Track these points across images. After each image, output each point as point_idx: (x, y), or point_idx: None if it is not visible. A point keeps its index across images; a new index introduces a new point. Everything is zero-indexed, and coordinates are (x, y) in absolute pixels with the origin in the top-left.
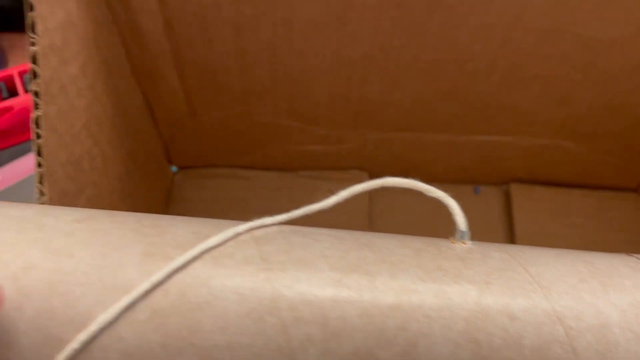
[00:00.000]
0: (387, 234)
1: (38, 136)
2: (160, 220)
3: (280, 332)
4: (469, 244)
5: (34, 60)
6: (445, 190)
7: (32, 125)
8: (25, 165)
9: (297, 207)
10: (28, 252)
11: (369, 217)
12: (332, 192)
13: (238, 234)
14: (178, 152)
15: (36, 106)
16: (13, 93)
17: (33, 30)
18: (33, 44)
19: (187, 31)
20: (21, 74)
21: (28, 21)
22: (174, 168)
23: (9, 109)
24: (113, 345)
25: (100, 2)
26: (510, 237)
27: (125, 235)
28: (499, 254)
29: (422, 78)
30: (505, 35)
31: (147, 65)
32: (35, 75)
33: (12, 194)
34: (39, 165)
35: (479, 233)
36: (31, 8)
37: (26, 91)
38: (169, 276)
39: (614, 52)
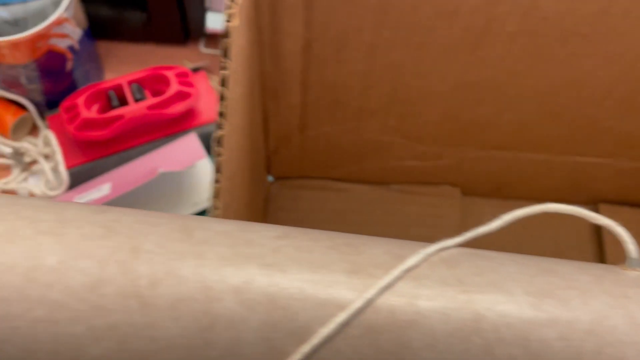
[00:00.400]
0: (559, 259)
1: (219, 154)
2: (351, 239)
3: (486, 352)
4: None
5: (224, 83)
6: None
7: (214, 144)
8: (134, 173)
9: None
10: (245, 266)
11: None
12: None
13: (429, 255)
14: (278, 163)
15: (220, 126)
16: (123, 101)
17: (226, 54)
18: (224, 68)
19: (323, 52)
20: (130, 83)
21: (222, 46)
22: (270, 178)
23: (119, 118)
24: (331, 358)
25: (254, 25)
26: (600, 258)
27: (325, 253)
28: None
29: (537, 101)
30: (632, 64)
31: (275, 82)
32: (222, 97)
33: (124, 202)
34: (217, 181)
35: (568, 253)
36: (227, 35)
37: (136, 100)
38: (379, 294)
39: None
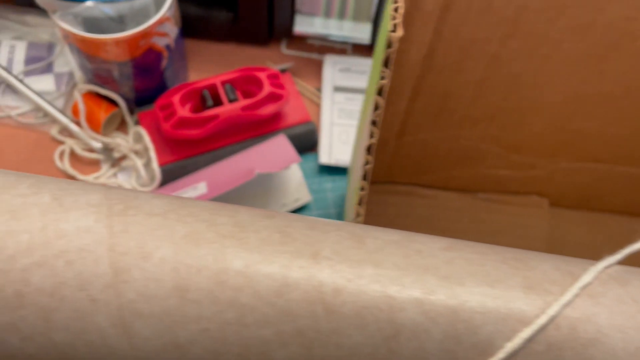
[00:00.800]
0: None
1: (367, 162)
2: (517, 254)
3: None
4: None
5: (380, 92)
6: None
7: (363, 152)
8: (229, 173)
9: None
10: (423, 277)
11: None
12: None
13: (599, 272)
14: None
15: (371, 135)
16: (217, 101)
17: (387, 64)
18: (383, 78)
19: (444, 61)
20: (223, 84)
21: (385, 55)
22: None
23: (214, 117)
24: None
25: None
26: None
27: (497, 267)
28: None
29: None
30: None
31: (390, 87)
32: (376, 107)
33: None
34: (362, 189)
35: None
36: (389, 45)
37: (230, 101)
38: (560, 311)
39: None
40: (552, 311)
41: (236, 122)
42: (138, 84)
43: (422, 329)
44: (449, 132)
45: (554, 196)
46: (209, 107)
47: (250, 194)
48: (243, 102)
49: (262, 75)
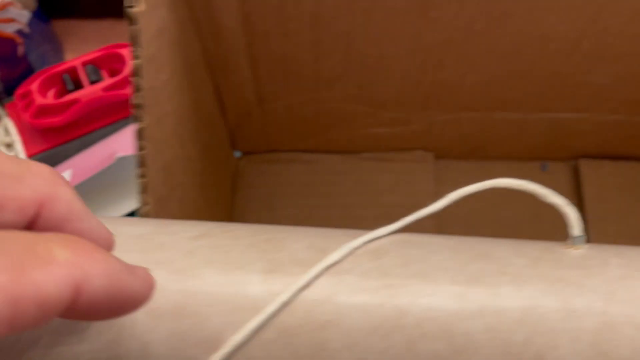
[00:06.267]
0: (500, 240)
1: (141, 148)
2: (275, 233)
3: (407, 349)
4: (584, 248)
5: (137, 73)
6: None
7: (135, 137)
8: (93, 159)
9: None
10: (154, 273)
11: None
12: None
13: (355, 248)
14: (242, 138)
15: (139, 119)
16: (78, 84)
17: (135, 43)
18: (136, 57)
19: (265, 25)
20: (84, 64)
21: (130, 34)
22: (237, 153)
23: (75, 102)
24: None
25: (183, 3)
26: (581, 215)
27: (244, 252)
28: (617, 259)
29: (500, 60)
30: (595, 15)
31: (221, 59)
32: (138, 88)
33: (84, 190)
34: (142, 176)
35: (548, 212)
36: (132, 21)
37: (91, 83)
38: (295, 295)
39: None
40: (283, 297)
41: (101, 104)
42: (2, 74)
43: (146, 329)
44: (307, 96)
45: (439, 149)
46: (70, 91)
47: (118, 180)
48: (104, 83)
49: (125, 52)
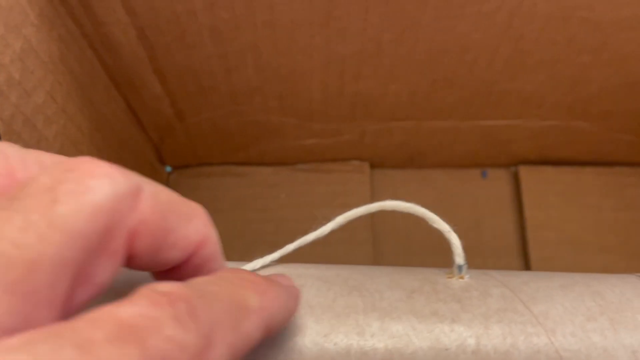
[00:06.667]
0: (380, 269)
1: None
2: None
3: None
4: (466, 277)
5: None
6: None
7: None
8: None
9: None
10: None
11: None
12: (327, 219)
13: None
14: (170, 153)
15: None
16: None
17: None
18: None
19: (163, 39)
20: None
21: None
22: (168, 168)
23: None
24: None
25: (64, 19)
26: (521, 223)
27: None
28: (498, 289)
29: (419, 69)
30: (507, 22)
31: (125, 74)
32: None
33: None
34: None
35: (488, 219)
36: None
37: None
38: None
39: (627, 32)
40: None
41: None
42: None
43: None
44: (227, 109)
45: (375, 158)
46: None
47: None
48: None
49: None
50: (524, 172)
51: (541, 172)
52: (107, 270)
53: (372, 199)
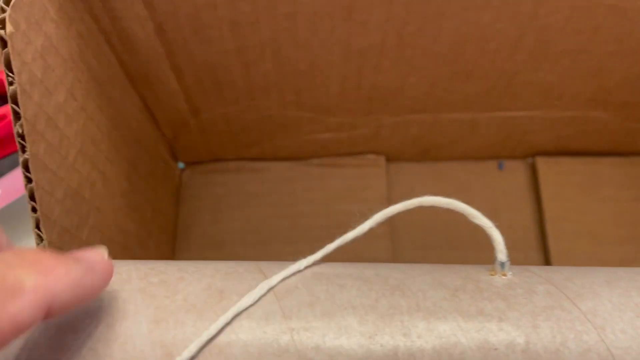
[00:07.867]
0: (419, 267)
1: (29, 180)
2: (167, 275)
3: None
4: (509, 275)
5: (14, 100)
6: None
7: (22, 169)
8: (20, 180)
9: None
10: None
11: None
12: (359, 214)
13: (260, 290)
14: (183, 149)
15: (23, 149)
16: (4, 99)
17: (9, 67)
18: (11, 83)
19: (181, 33)
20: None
21: (3, 58)
22: (181, 164)
23: (3, 118)
24: None
25: (83, 15)
26: (539, 214)
27: (132, 298)
28: (543, 286)
29: (440, 60)
30: (532, 12)
31: (142, 70)
32: (17, 116)
33: (13, 210)
34: (34, 210)
35: (506, 212)
36: (4, 44)
37: None
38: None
39: None
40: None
41: None
42: None
43: None
44: (243, 104)
45: (391, 152)
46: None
47: None
48: None
49: None
50: (541, 163)
51: (558, 163)
52: None
53: (388, 193)
